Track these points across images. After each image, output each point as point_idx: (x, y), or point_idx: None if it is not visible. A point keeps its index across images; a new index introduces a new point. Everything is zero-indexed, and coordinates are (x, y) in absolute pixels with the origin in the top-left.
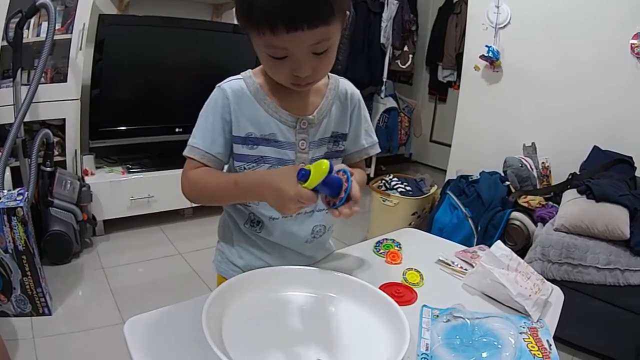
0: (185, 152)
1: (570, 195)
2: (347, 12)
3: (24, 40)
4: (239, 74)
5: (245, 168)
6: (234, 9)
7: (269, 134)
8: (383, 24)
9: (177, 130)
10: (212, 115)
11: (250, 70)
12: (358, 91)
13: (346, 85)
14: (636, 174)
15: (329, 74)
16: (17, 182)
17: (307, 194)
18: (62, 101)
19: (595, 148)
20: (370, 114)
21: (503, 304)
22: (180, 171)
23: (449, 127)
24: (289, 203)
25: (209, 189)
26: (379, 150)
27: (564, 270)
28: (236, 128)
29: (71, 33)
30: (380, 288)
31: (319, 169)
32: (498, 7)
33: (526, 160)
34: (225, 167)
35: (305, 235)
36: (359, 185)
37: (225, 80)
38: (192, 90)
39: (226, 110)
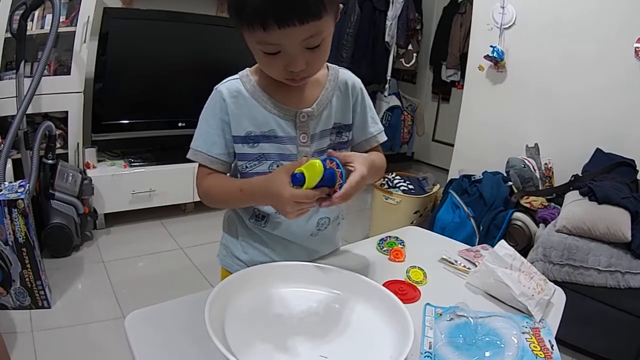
0: (189, 156)
1: (572, 196)
2: (340, 5)
3: (28, 33)
4: (238, 72)
5: (247, 167)
6: None
7: (268, 130)
8: (388, 23)
9: (179, 124)
10: (211, 118)
11: (247, 68)
12: (359, 80)
13: (346, 75)
14: (638, 177)
15: (328, 64)
16: (18, 174)
17: (303, 194)
18: (65, 94)
19: (598, 150)
20: None
21: (506, 304)
22: (182, 166)
23: (451, 126)
24: (287, 207)
25: (220, 197)
26: (386, 138)
27: (565, 271)
28: (235, 128)
29: (75, 26)
30: (383, 285)
31: (314, 171)
32: (503, 7)
33: (529, 161)
34: None
35: (310, 229)
36: (374, 166)
37: (222, 82)
38: (196, 85)
39: (224, 111)
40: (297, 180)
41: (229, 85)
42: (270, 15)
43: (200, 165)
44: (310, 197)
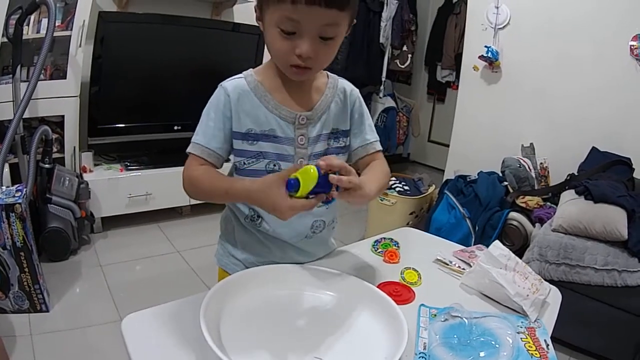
0: (188, 149)
1: (568, 195)
2: (355, 19)
3: (24, 37)
4: (238, 72)
5: (245, 163)
6: (233, 8)
7: (268, 129)
8: (382, 24)
9: (175, 128)
10: (214, 113)
11: (251, 69)
12: (357, 89)
13: (345, 84)
14: (634, 175)
15: (329, 73)
16: (15, 178)
17: (300, 204)
18: (61, 98)
19: (594, 149)
20: None
21: (501, 304)
22: (178, 169)
23: (447, 127)
24: (284, 215)
25: (204, 190)
26: (382, 148)
27: (561, 270)
28: (236, 124)
29: (71, 30)
30: (378, 287)
31: (308, 177)
32: (498, 7)
33: (524, 161)
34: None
35: (304, 230)
36: (377, 180)
37: (227, 80)
38: (191, 88)
39: (227, 107)
40: (292, 186)
41: (233, 83)
42: None
43: (191, 155)
44: (308, 207)
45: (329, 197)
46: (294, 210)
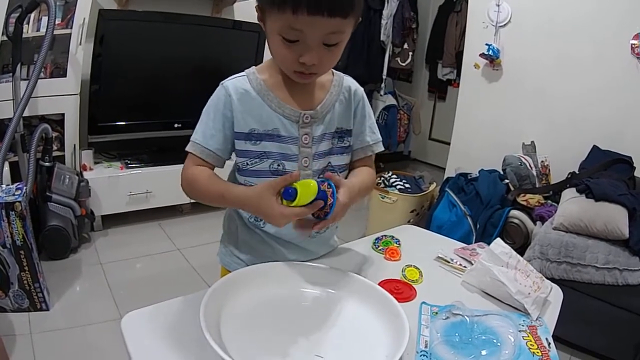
0: (187, 148)
1: (569, 194)
2: (359, 18)
3: (24, 35)
4: (239, 70)
5: (248, 164)
6: (234, 5)
7: (272, 129)
8: (383, 21)
9: (175, 125)
10: (214, 112)
11: (253, 67)
12: (362, 88)
13: (350, 82)
14: (635, 174)
15: (333, 71)
16: (15, 177)
17: (293, 212)
18: (62, 96)
19: (595, 147)
20: None
21: (502, 302)
22: (179, 167)
23: (448, 125)
24: (277, 222)
25: (200, 191)
26: (383, 149)
27: (562, 269)
28: (239, 124)
29: (71, 28)
30: (379, 284)
31: (307, 191)
32: (499, 5)
33: (525, 159)
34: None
35: None
36: (361, 188)
37: (228, 78)
38: (192, 86)
39: (227, 107)
40: (289, 195)
41: (235, 82)
42: (305, 0)
43: (191, 154)
44: (300, 215)
45: (321, 211)
46: (286, 218)
